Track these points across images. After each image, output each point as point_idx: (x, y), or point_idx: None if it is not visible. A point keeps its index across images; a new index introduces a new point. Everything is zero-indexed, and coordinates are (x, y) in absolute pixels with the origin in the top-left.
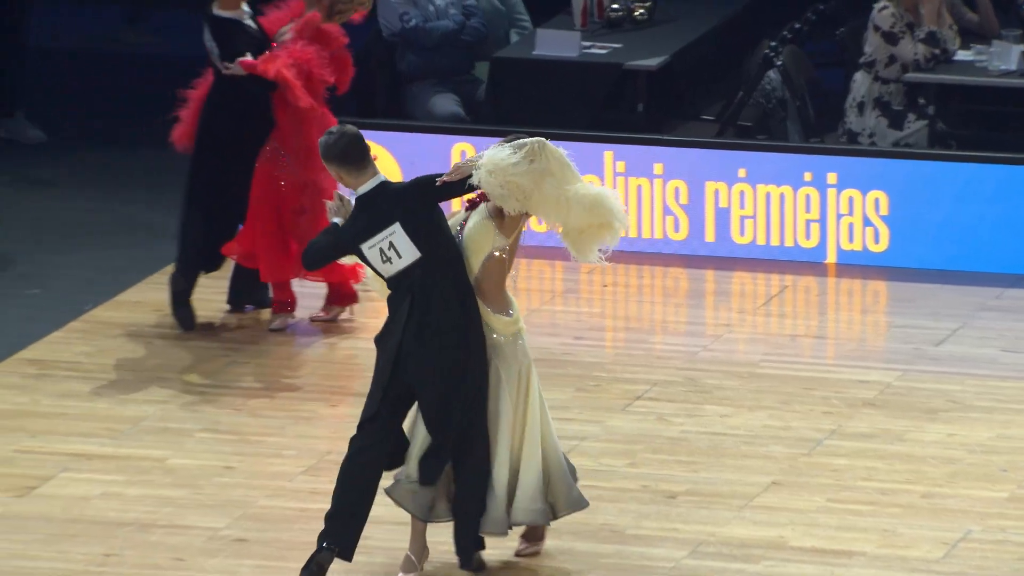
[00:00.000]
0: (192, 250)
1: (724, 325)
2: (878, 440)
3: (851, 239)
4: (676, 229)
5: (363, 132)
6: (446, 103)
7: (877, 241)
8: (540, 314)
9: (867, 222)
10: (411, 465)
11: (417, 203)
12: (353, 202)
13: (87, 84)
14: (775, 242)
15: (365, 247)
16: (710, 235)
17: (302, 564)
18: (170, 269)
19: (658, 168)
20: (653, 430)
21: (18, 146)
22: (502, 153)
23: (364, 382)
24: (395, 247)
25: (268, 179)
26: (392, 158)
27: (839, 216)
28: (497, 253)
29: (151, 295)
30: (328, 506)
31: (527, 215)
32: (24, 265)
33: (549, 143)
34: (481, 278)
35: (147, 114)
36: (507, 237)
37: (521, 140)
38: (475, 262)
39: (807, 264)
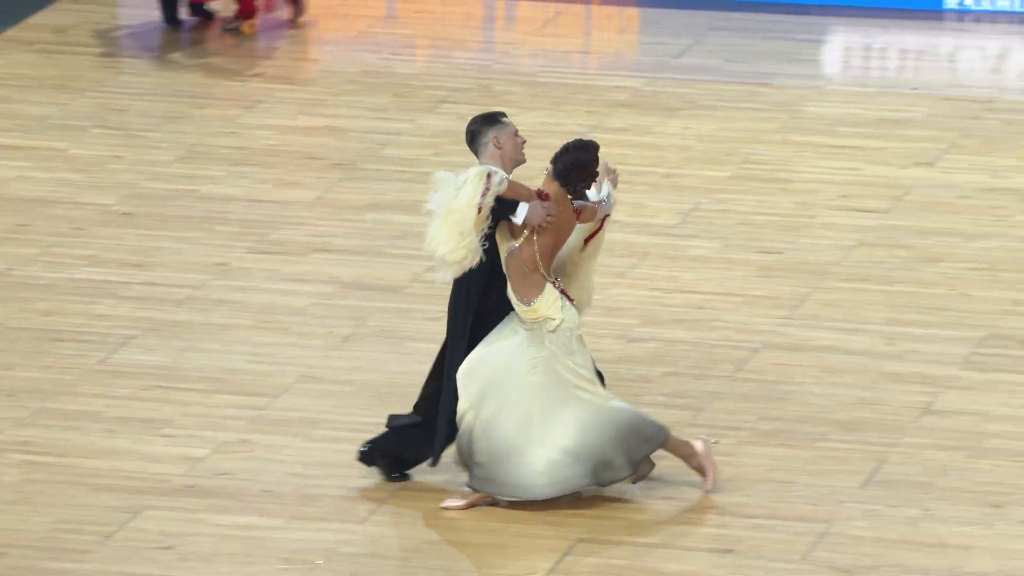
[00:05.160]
0: None
1: (510, 44)
2: (630, 133)
3: None
4: None
5: None
6: None
7: None
8: (366, 35)
9: None
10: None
11: None
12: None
13: None
14: None
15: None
16: None
17: (178, 233)
18: None
19: None
20: (454, 127)
21: None
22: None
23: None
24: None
25: None
26: None
27: None
28: (505, 255)
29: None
30: None
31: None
32: None
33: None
34: (505, 268)
35: None
36: (515, 239)
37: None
38: (501, 253)
39: None
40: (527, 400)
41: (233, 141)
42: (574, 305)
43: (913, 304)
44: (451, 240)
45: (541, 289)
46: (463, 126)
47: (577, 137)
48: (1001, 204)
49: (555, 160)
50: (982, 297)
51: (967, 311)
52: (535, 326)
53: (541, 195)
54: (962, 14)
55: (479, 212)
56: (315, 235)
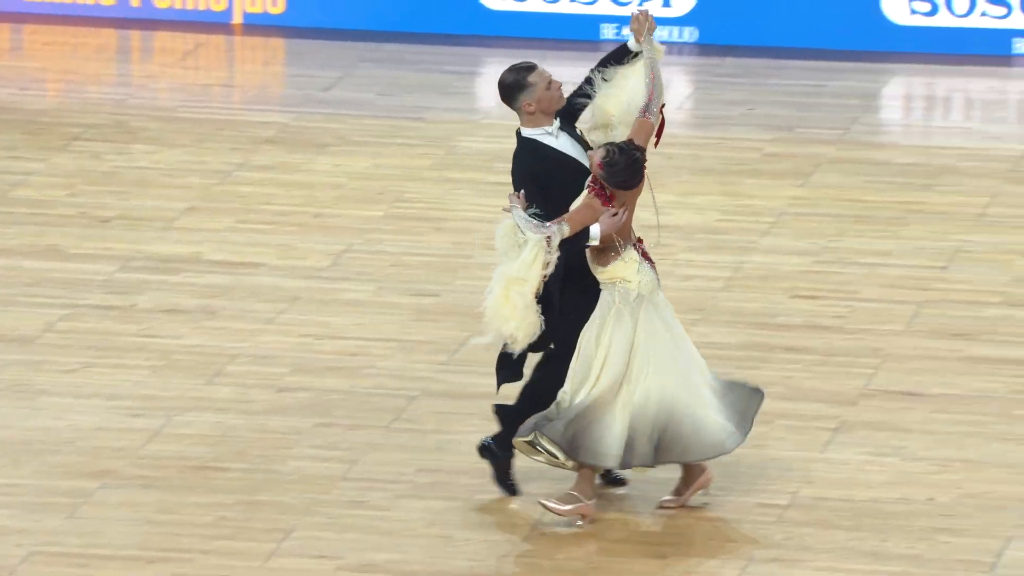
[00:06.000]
0: None
1: (148, 77)
2: (277, 171)
3: (254, 3)
4: None
5: None
6: None
7: (276, 4)
8: None
9: None
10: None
11: None
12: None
13: None
14: (190, 5)
15: None
16: (135, 1)
17: None
18: None
19: None
20: (89, 165)
21: None
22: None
23: None
24: None
25: None
26: None
27: None
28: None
29: None
30: None
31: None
32: None
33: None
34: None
35: None
36: None
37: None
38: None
39: (218, 24)
40: (604, 365)
41: None
42: (654, 267)
43: None
44: (516, 315)
45: (620, 254)
46: (97, 165)
47: (605, 153)
48: (664, 242)
49: (606, 181)
50: None
51: None
52: (609, 287)
53: (603, 196)
54: None
55: (544, 278)
56: None
